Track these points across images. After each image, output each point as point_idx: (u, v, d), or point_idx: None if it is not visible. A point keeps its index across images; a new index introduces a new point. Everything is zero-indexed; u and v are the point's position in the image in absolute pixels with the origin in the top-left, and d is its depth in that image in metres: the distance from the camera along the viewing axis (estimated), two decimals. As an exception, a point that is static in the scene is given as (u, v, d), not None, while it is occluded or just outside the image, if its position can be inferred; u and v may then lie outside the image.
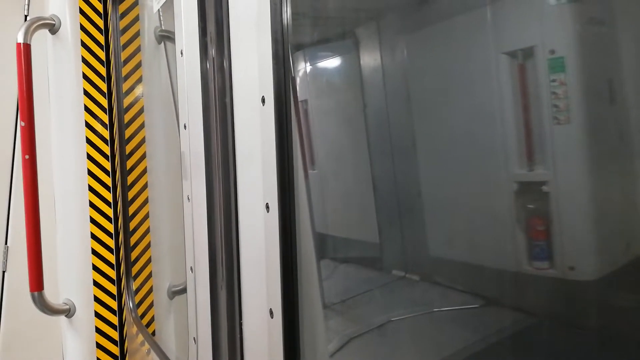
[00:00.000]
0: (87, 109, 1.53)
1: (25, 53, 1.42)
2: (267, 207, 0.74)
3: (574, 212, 2.30)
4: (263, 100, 0.74)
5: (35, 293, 1.46)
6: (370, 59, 3.17)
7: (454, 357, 2.07)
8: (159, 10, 1.32)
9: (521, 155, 2.55)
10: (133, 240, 1.55)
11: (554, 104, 2.36)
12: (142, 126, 1.56)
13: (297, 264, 0.73)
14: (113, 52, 1.54)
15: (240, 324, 0.85)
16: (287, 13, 0.75)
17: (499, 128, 2.59)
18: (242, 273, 0.83)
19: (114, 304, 1.58)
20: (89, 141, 1.53)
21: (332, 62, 3.37)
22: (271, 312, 0.73)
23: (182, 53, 1.00)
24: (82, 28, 1.52)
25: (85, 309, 1.56)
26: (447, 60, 2.79)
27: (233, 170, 0.84)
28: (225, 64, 0.86)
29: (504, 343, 2.20)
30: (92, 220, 1.55)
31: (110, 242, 1.56)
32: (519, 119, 2.54)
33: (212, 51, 0.90)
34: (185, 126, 1.01)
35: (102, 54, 1.54)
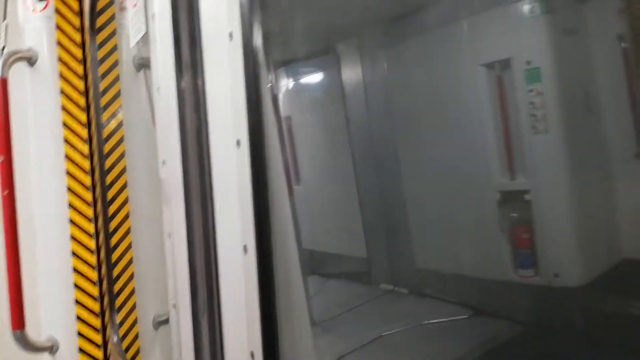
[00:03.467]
0: (66, 141, 1.52)
1: (2, 87, 1.41)
2: (245, 249, 0.74)
3: (556, 219, 2.32)
4: (238, 143, 0.75)
5: (17, 331, 1.43)
6: (350, 74, 3.17)
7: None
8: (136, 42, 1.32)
9: (502, 165, 2.57)
10: (116, 272, 1.54)
11: (531, 113, 2.39)
12: (122, 155, 1.55)
13: (277, 304, 0.73)
14: (92, 82, 1.54)
15: None
16: (260, 53, 0.76)
17: (480, 138, 2.62)
18: (222, 313, 0.83)
19: (98, 339, 1.55)
20: (68, 173, 1.52)
21: (312, 82, 3.36)
22: (252, 355, 0.74)
23: (158, 90, 1.00)
24: (60, 59, 1.51)
25: (69, 345, 1.54)
26: (427, 73, 2.81)
27: (212, 210, 0.85)
28: (201, 102, 0.87)
29: (494, 352, 2.19)
30: (74, 254, 1.53)
31: (93, 276, 1.54)
32: (499, 129, 2.57)
33: (188, 89, 0.91)
34: (164, 162, 1.01)
35: (80, 85, 1.53)
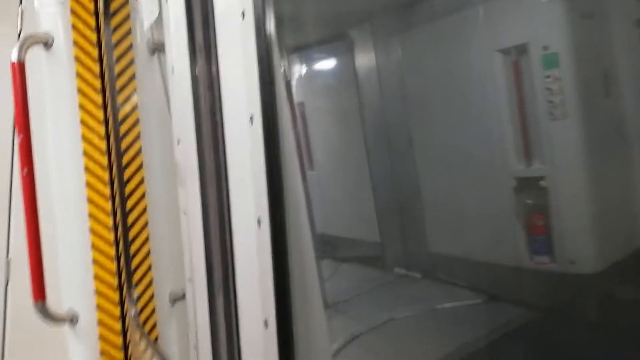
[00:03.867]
0: (83, 122, 1.56)
1: (19, 71, 1.44)
2: (259, 222, 0.76)
3: (572, 206, 2.29)
4: (251, 120, 0.76)
5: (38, 302, 1.49)
6: (364, 60, 3.14)
7: (458, 351, 2.08)
8: (150, 25, 1.34)
9: (519, 151, 2.54)
10: (133, 248, 1.58)
11: (549, 99, 2.35)
12: (137, 137, 1.59)
13: (290, 277, 0.75)
14: (107, 66, 1.56)
15: (238, 334, 0.87)
16: (272, 32, 0.77)
17: (496, 125, 2.58)
18: (237, 285, 0.86)
19: (116, 312, 1.60)
20: (86, 153, 1.56)
21: (325, 67, 3.35)
22: (266, 323, 0.76)
23: (173, 70, 1.02)
24: (76, 43, 1.54)
25: (88, 317, 1.59)
26: (442, 59, 2.78)
27: (226, 186, 0.86)
28: (215, 81, 0.88)
29: (507, 337, 2.19)
30: (92, 231, 1.57)
31: (111, 252, 1.58)
32: (515, 115, 2.53)
33: (202, 69, 0.92)
34: (178, 141, 1.03)
35: (96, 68, 1.56)
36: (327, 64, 3.27)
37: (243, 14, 0.77)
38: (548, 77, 2.19)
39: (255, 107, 0.75)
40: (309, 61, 3.29)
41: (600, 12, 2.10)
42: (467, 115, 2.46)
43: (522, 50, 2.25)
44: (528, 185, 2.32)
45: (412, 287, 2.76)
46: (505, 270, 2.41)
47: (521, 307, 2.22)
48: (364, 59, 3.01)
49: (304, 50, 3.22)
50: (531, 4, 2.20)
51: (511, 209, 2.36)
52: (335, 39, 3.07)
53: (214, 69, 0.88)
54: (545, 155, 2.23)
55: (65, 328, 1.63)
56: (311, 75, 3.33)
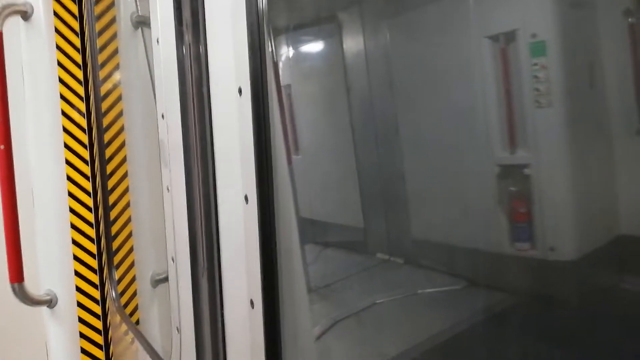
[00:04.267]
0: (63, 97, 1.50)
1: (-3, 41, 1.38)
2: (246, 198, 0.74)
3: (554, 194, 2.32)
4: (240, 91, 0.73)
5: (16, 284, 1.44)
6: (352, 43, 3.13)
7: (439, 337, 2.11)
8: (134, -5, 1.29)
9: (503, 139, 2.55)
10: (114, 229, 1.54)
11: (535, 87, 2.36)
12: (120, 114, 1.54)
13: (277, 255, 0.73)
14: (88, 39, 1.51)
15: (222, 314, 0.85)
16: (263, 1, 0.74)
17: (481, 111, 2.59)
18: (222, 264, 0.83)
19: (96, 294, 1.57)
20: (66, 130, 1.51)
21: (313, 48, 3.33)
22: (252, 303, 0.74)
23: (158, 41, 0.98)
24: (56, 14, 1.48)
25: (68, 299, 1.55)
26: (429, 44, 2.77)
27: (212, 160, 0.84)
28: (202, 52, 0.85)
29: (487, 322, 2.23)
30: (72, 210, 1.53)
31: (91, 232, 1.54)
32: (501, 102, 2.54)
33: (188, 39, 0.89)
34: (163, 116, 1.00)
35: (77, 41, 1.50)
36: (316, 46, 3.22)
37: None
38: (535, 64, 2.19)
39: (244, 78, 0.72)
40: (297, 42, 3.25)
41: (588, 2, 2.11)
42: (453, 102, 2.46)
43: (510, 37, 2.25)
44: (512, 173, 2.33)
45: (393, 272, 2.77)
46: (486, 256, 2.43)
47: (500, 292, 2.25)
48: (352, 42, 2.98)
49: (290, 33, 3.17)
50: (521, -9, 2.19)
51: (494, 195, 2.38)
52: (325, 20, 3.02)
53: (201, 40, 0.85)
54: (530, 143, 2.25)
55: (44, 310, 1.59)
56: (299, 57, 3.28)
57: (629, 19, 2.17)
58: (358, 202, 3.18)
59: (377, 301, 2.41)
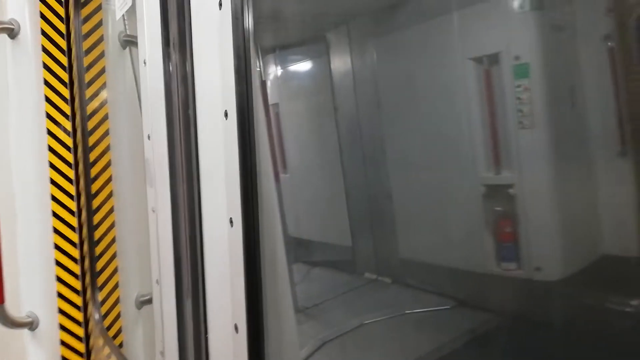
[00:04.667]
0: (48, 116, 1.49)
1: (-18, 59, 1.37)
2: (231, 221, 0.73)
3: (539, 214, 2.34)
4: (226, 114, 0.74)
5: (-4, 306, 1.41)
6: (339, 64, 3.15)
7: (428, 357, 2.09)
8: (123, 15, 1.29)
9: (488, 159, 2.59)
10: (98, 250, 1.52)
11: (518, 108, 2.40)
12: (106, 133, 1.53)
13: (263, 278, 0.72)
14: (75, 57, 1.50)
15: (206, 339, 0.84)
16: (249, 23, 0.75)
17: (466, 132, 2.62)
18: (207, 288, 0.83)
19: (79, 316, 1.54)
20: (51, 149, 1.49)
21: (301, 69, 3.34)
22: (236, 328, 0.73)
23: (145, 62, 0.99)
24: (43, 32, 1.48)
25: (50, 322, 1.52)
26: (415, 65, 2.81)
27: (197, 183, 0.84)
28: (189, 74, 0.86)
29: (475, 342, 2.22)
30: (56, 230, 1.51)
31: (75, 253, 1.52)
32: (485, 123, 2.58)
33: (175, 61, 0.89)
34: (149, 136, 1.00)
35: (64, 59, 1.50)
36: (303, 66, 3.26)
37: (220, 4, 0.75)
38: (518, 86, 2.24)
39: (230, 102, 0.73)
40: (285, 61, 3.28)
41: (570, 26, 2.17)
42: (439, 122, 2.49)
43: (494, 59, 2.30)
44: (497, 193, 2.36)
45: (381, 292, 2.77)
46: (473, 276, 2.44)
47: (487, 312, 2.25)
48: (339, 62, 3.02)
49: (279, 52, 3.21)
50: (505, 15, 2.25)
51: (480, 215, 2.40)
52: (313, 41, 3.07)
53: (188, 62, 0.85)
54: (514, 164, 2.28)
55: (25, 333, 1.55)
56: (286, 76, 3.32)
57: (609, 43, 2.23)
58: (345, 221, 3.19)
59: (365, 322, 2.40)
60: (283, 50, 3.23)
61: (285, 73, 3.42)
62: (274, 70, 3.38)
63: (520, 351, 1.97)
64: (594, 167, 2.34)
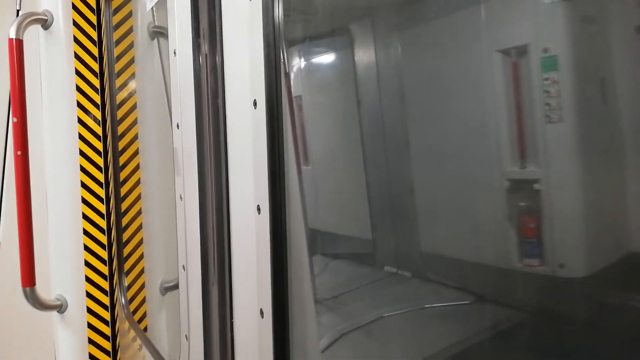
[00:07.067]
0: (79, 105, 1.53)
1: (17, 49, 1.41)
2: (259, 209, 0.75)
3: (564, 210, 2.31)
4: (255, 104, 0.75)
5: (27, 289, 1.46)
6: (364, 57, 3.15)
7: (446, 352, 2.09)
8: (152, 7, 1.31)
9: (513, 153, 2.55)
10: (126, 236, 1.55)
11: (546, 102, 2.35)
12: (135, 122, 1.56)
13: (288, 266, 0.74)
14: (106, 48, 1.54)
15: (232, 323, 0.86)
16: (279, 14, 0.76)
17: (492, 125, 2.59)
18: (233, 273, 0.84)
19: (106, 300, 1.58)
20: (81, 137, 1.53)
21: (326, 61, 3.35)
22: (262, 312, 0.74)
23: (175, 52, 1.00)
24: (75, 24, 1.51)
25: (78, 305, 1.57)
26: (441, 58, 2.78)
27: (225, 171, 0.85)
28: (218, 64, 0.87)
29: (495, 338, 2.21)
30: (85, 217, 1.55)
31: (103, 239, 1.56)
32: (512, 116, 2.54)
33: (205, 51, 0.90)
34: (178, 126, 1.01)
35: (94, 50, 1.53)
36: (327, 58, 3.25)
37: None
38: (546, 79, 2.19)
39: (259, 91, 0.74)
40: (312, 53, 3.27)
41: (601, 17, 2.11)
42: (464, 115, 2.46)
43: (522, 51, 2.25)
44: (521, 188, 2.32)
45: (401, 285, 2.76)
46: (494, 271, 2.42)
47: (508, 308, 2.22)
48: (363, 55, 3.00)
49: (303, 45, 3.20)
50: (533, 5, 2.20)
51: (503, 210, 2.36)
52: (336, 33, 3.05)
53: (217, 52, 0.86)
54: (540, 158, 2.24)
55: (54, 315, 1.61)
56: (310, 68, 3.31)
57: (643, 35, 2.14)
58: (367, 214, 3.18)
59: (384, 315, 2.39)
60: (307, 42, 3.23)
61: (308, 65, 3.42)
62: (298, 63, 3.38)
63: (541, 349, 1.94)
64: (623, 163, 2.28)
